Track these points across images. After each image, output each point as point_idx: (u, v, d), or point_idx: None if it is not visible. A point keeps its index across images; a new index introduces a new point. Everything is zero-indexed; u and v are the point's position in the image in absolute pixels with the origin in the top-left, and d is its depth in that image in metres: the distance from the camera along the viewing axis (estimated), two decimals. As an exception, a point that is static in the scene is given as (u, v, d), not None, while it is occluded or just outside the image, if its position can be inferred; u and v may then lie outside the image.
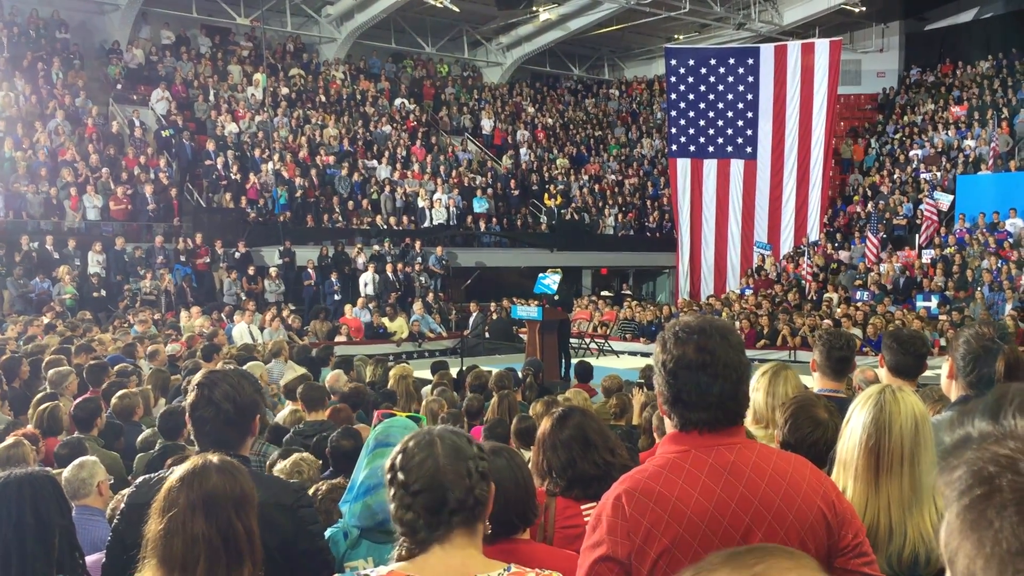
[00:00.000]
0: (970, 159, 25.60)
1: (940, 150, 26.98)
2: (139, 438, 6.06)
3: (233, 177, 22.04)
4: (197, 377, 2.81)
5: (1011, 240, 21.64)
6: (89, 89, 23.18)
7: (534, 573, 2.03)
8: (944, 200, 24.02)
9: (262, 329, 17.10)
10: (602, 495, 2.12)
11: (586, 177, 29.63)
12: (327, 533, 2.87)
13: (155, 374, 8.46)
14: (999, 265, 20.32)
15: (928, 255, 22.25)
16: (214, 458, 2.24)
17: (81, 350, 9.94)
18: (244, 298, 19.18)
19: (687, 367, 2.06)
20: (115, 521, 2.81)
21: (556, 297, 15.45)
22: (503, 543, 2.46)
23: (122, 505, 2.78)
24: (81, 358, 9.49)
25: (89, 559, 3.33)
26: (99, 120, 22.25)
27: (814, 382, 4.19)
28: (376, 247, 22.59)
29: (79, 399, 6.64)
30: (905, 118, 30.02)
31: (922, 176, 26.17)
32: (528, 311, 15.48)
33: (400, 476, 1.96)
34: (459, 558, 1.95)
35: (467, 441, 2.05)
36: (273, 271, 20.66)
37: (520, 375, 9.49)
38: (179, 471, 2.21)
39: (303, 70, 27.69)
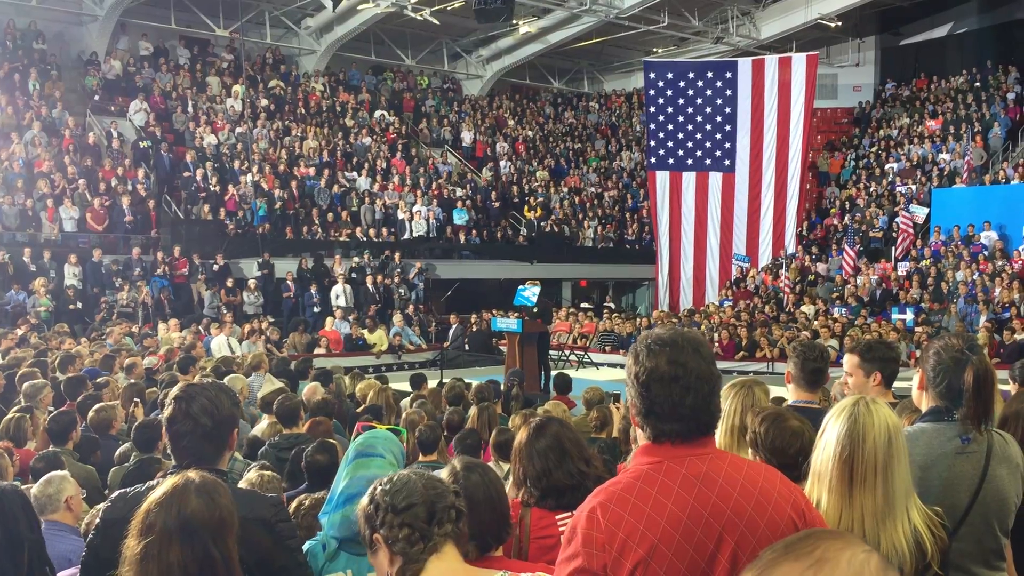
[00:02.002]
0: (945, 172, 25.90)
1: (916, 163, 27.28)
2: (117, 452, 6.01)
3: (212, 189, 21.93)
4: (175, 391, 2.79)
5: (985, 253, 21.89)
6: (66, 100, 23.03)
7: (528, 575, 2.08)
8: (920, 213, 24.29)
9: (241, 342, 17.01)
10: (576, 505, 2.14)
11: (566, 189, 29.71)
12: (306, 546, 2.87)
13: (129, 387, 8.40)
14: (974, 277, 20.54)
15: (904, 267, 22.48)
16: (195, 478, 2.23)
17: (65, 362, 9.85)
18: (223, 311, 19.07)
19: (659, 379, 2.09)
20: (90, 536, 2.79)
21: (535, 310, 15.48)
22: (477, 562, 2.47)
23: (97, 520, 2.77)
24: (66, 371, 9.41)
25: (61, 575, 3.31)
26: (76, 131, 22.10)
27: (788, 393, 4.22)
28: (355, 259, 22.53)
29: (54, 412, 6.59)
30: (881, 132, 30.33)
31: (898, 189, 26.45)
32: (508, 323, 15.50)
33: (385, 499, 2.05)
34: (459, 569, 1.99)
35: (440, 480, 2.20)
36: (252, 283, 20.55)
37: (502, 387, 9.49)
38: (158, 492, 2.19)
39: (282, 82, 27.64)
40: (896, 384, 3.85)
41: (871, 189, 27.35)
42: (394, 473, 2.19)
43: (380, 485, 2.14)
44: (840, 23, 29.13)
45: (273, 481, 4.13)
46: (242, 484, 4.02)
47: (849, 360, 3.85)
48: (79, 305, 18.08)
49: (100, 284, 18.74)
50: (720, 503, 2.05)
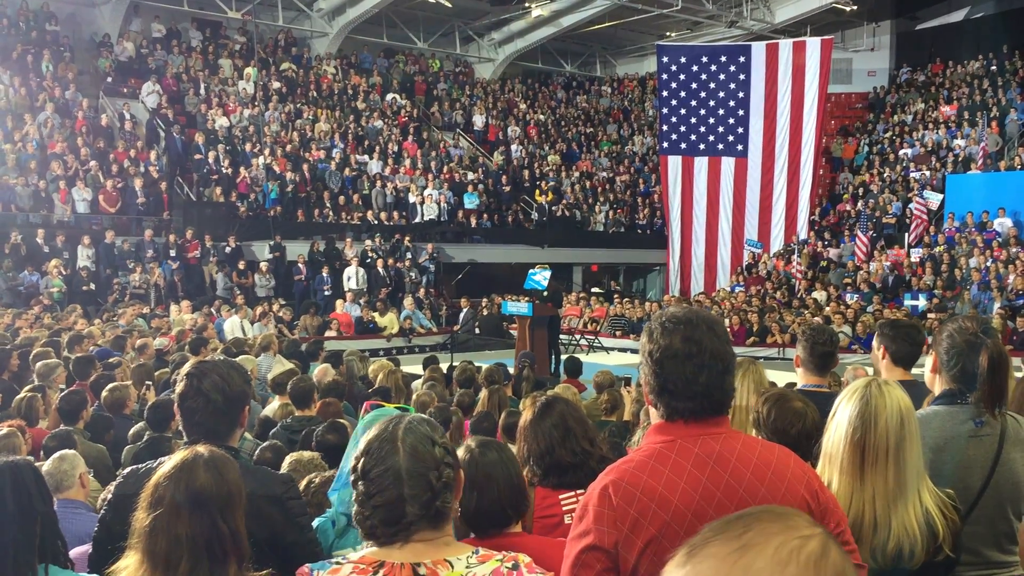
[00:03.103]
0: (959, 158, 25.70)
1: (930, 149, 27.08)
2: (131, 431, 6.05)
3: (224, 171, 21.98)
4: (187, 367, 2.81)
5: (999, 239, 21.74)
6: (79, 82, 23.09)
7: (500, 555, 2.04)
8: (934, 199, 24.12)
9: (253, 324, 17.07)
10: (579, 484, 2.14)
11: (577, 174, 29.65)
12: (316, 523, 2.88)
13: (138, 368, 8.44)
14: (987, 264, 20.42)
15: (917, 254, 22.35)
16: (204, 452, 2.24)
17: (73, 342, 9.91)
18: (235, 292, 19.14)
19: (673, 357, 2.08)
20: (103, 511, 2.81)
21: (546, 293, 15.48)
22: (495, 538, 2.48)
23: (109, 495, 2.79)
24: (75, 351, 9.47)
25: (75, 551, 3.33)
26: (89, 113, 22.17)
27: (798, 377, 4.21)
28: (367, 242, 22.57)
29: (65, 392, 6.63)
30: (895, 117, 30.12)
31: (912, 175, 26.25)
32: (518, 307, 15.50)
33: (361, 486, 1.96)
34: (421, 547, 1.97)
35: (431, 444, 1.99)
36: (263, 266, 20.61)
37: (513, 370, 9.50)
38: (168, 465, 2.21)
39: (294, 64, 27.62)
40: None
41: (885, 175, 27.18)
42: (387, 432, 2.02)
43: (368, 448, 2.00)
44: (855, 7, 28.91)
45: (315, 460, 4.16)
46: (285, 466, 4.05)
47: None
48: (92, 286, 18.17)
49: (113, 265, 18.82)
50: (733, 483, 2.04)
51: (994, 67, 29.46)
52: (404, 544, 1.96)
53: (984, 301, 19.37)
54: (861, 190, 26.98)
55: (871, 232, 23.80)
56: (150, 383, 7.81)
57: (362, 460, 1.99)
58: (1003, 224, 22.21)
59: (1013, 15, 29.97)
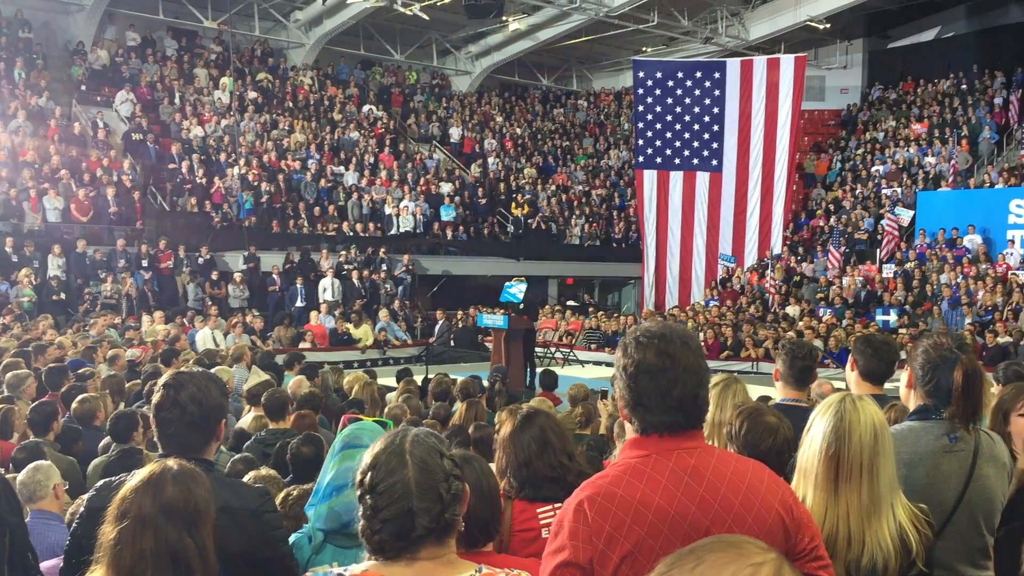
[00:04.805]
0: (930, 175, 26.04)
1: (901, 166, 27.41)
2: (101, 443, 5.98)
3: (198, 181, 21.83)
4: (164, 378, 2.77)
5: (969, 256, 22.02)
6: (52, 89, 22.86)
7: (504, 572, 2.04)
8: (905, 216, 24.41)
9: (226, 335, 16.95)
10: (556, 497, 2.14)
11: (553, 187, 29.72)
12: (292, 538, 2.85)
13: (109, 379, 8.34)
14: (958, 280, 20.67)
15: (889, 269, 22.58)
16: (173, 465, 2.21)
17: (37, 351, 9.79)
18: (208, 303, 18.99)
19: (648, 371, 2.09)
20: (74, 525, 2.77)
21: (522, 306, 15.48)
22: (465, 555, 2.46)
23: (81, 508, 2.75)
24: (39, 361, 9.35)
25: (46, 564, 3.28)
26: (62, 121, 21.94)
27: (777, 391, 4.23)
28: (342, 253, 22.48)
29: (35, 403, 6.54)
30: (867, 134, 30.46)
31: (883, 192, 26.57)
32: (494, 319, 15.50)
33: (369, 500, 1.93)
34: (428, 565, 1.96)
35: (439, 456, 1.99)
36: (237, 276, 20.47)
37: (486, 383, 9.48)
38: (135, 479, 2.18)
39: (271, 74, 27.52)
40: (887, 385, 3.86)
41: (857, 191, 27.47)
42: (394, 444, 1.99)
43: (375, 462, 1.97)
44: (828, 25, 29.22)
45: (272, 476, 4.11)
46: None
47: None
48: (63, 296, 17.95)
49: (84, 275, 18.62)
50: (708, 497, 2.05)
51: (964, 85, 29.92)
52: (411, 562, 1.94)
53: (955, 317, 19.59)
54: (834, 206, 27.25)
55: (843, 248, 24.04)
56: (116, 397, 7.72)
57: (369, 474, 1.95)
58: (973, 241, 22.51)
59: (983, 34, 30.50)
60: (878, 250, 23.78)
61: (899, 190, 26.09)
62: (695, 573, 1.06)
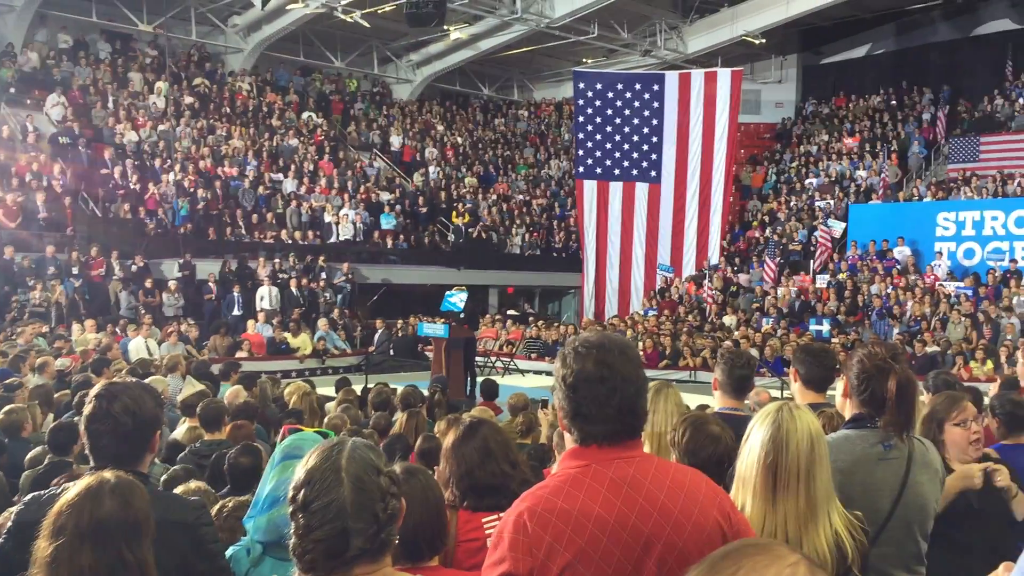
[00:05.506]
0: (862, 188, 26.69)
1: (834, 179, 28.06)
2: (28, 455, 5.80)
3: (132, 187, 21.37)
4: (96, 388, 2.70)
5: (899, 267, 22.61)
6: (-21, 92, 22.23)
7: None
8: (837, 227, 24.96)
9: (160, 344, 16.60)
10: (499, 507, 2.13)
11: (494, 196, 29.76)
12: (229, 552, 2.80)
13: (36, 389, 8.10)
14: (888, 291, 21.19)
15: (822, 280, 23.06)
16: (110, 478, 2.15)
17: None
18: (142, 312, 18.58)
19: (587, 381, 2.10)
20: (2, 540, 2.68)
21: (462, 315, 15.47)
22: (408, 569, 2.44)
23: (9, 523, 2.66)
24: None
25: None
26: (-11, 124, 21.33)
27: (715, 400, 4.28)
28: (279, 262, 22.19)
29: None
30: (801, 147, 31.13)
31: (817, 204, 27.15)
32: (435, 328, 15.46)
33: (301, 518, 1.85)
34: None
35: (376, 473, 1.90)
36: (172, 284, 20.07)
37: (426, 392, 9.43)
38: (71, 492, 2.11)
39: (208, 80, 27.10)
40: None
41: (791, 203, 28.02)
42: (329, 460, 1.89)
43: (309, 479, 1.88)
44: (764, 40, 29.82)
45: (203, 489, 4.02)
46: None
47: None
48: (-11, 304, 17.42)
49: (11, 283, 18.07)
50: (647, 506, 2.06)
51: (894, 101, 30.79)
52: None
53: (885, 327, 20.08)
54: (769, 218, 27.75)
55: (778, 258, 24.48)
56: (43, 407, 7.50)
57: (303, 491, 1.86)
58: (902, 253, 23.10)
59: (911, 52, 31.46)
60: (811, 261, 24.27)
61: (832, 202, 26.69)
62: None
